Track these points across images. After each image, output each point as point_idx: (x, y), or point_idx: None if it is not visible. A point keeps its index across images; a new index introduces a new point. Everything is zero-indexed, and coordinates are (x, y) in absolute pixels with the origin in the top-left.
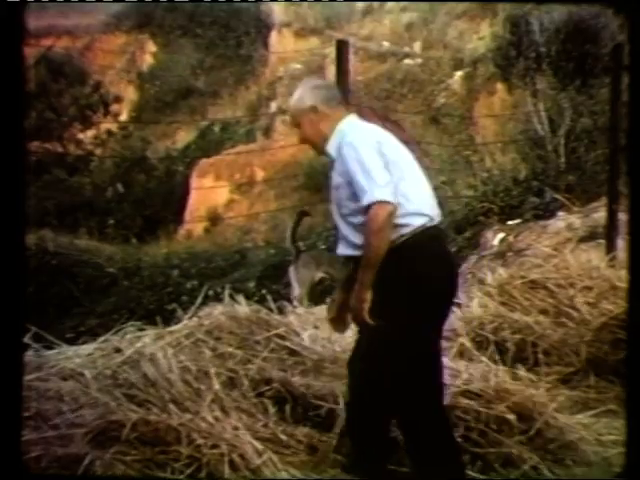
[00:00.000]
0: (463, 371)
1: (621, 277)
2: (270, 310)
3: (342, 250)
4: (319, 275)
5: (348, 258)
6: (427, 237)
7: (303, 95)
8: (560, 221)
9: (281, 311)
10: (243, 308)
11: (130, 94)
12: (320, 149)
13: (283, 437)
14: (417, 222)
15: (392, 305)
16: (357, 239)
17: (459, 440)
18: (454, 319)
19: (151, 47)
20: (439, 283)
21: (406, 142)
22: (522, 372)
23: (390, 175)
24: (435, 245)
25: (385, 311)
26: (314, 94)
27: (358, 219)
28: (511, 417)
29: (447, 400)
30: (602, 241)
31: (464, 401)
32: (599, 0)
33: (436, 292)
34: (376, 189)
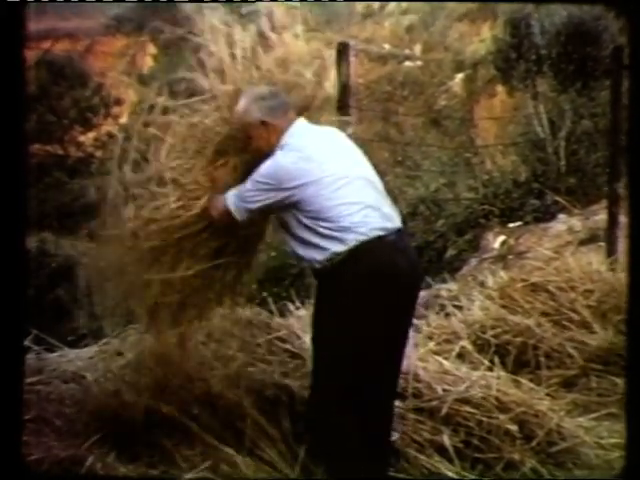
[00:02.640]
0: (464, 377)
1: (622, 280)
2: (271, 313)
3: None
4: None
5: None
6: (365, 251)
7: (249, 108)
8: (561, 224)
9: (282, 314)
10: (244, 311)
11: (130, 96)
12: None
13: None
14: (353, 238)
15: (339, 321)
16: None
17: (459, 445)
18: (455, 322)
19: (151, 49)
20: (381, 297)
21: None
22: (524, 380)
23: (269, 203)
24: (375, 258)
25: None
26: (260, 107)
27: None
28: (513, 428)
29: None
30: (603, 244)
31: (465, 408)
32: (600, 1)
33: (380, 305)
34: (237, 200)
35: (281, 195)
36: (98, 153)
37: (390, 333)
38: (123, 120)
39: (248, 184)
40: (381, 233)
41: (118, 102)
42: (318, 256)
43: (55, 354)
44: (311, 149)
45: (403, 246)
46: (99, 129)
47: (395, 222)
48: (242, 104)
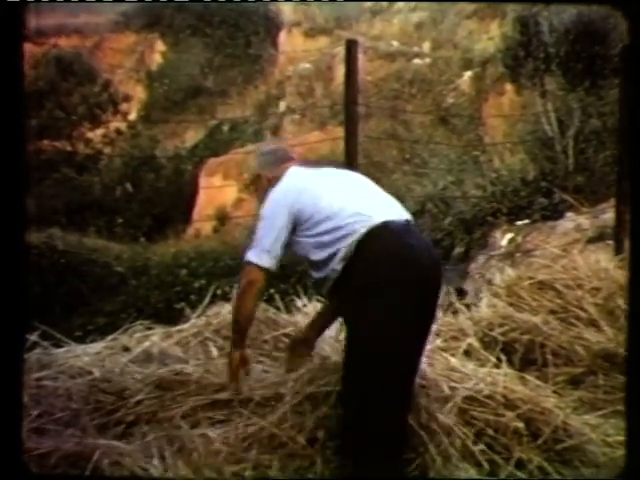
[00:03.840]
0: (471, 374)
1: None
2: (278, 309)
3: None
4: None
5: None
6: (375, 236)
7: (252, 164)
8: (568, 222)
9: (289, 310)
10: None
11: (139, 93)
12: None
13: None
14: (357, 228)
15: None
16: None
17: (468, 443)
18: (462, 319)
19: (160, 46)
20: (403, 273)
21: None
22: (531, 377)
23: (281, 236)
24: (388, 239)
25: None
26: (258, 162)
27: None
28: (520, 425)
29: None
30: (611, 242)
31: (472, 407)
32: (607, 1)
33: (397, 292)
34: (254, 250)
35: (286, 219)
36: (106, 150)
37: (419, 314)
38: (131, 117)
39: (258, 229)
40: (388, 218)
41: (126, 99)
42: (334, 264)
43: (62, 349)
44: (298, 178)
45: (413, 231)
46: (107, 126)
47: (402, 215)
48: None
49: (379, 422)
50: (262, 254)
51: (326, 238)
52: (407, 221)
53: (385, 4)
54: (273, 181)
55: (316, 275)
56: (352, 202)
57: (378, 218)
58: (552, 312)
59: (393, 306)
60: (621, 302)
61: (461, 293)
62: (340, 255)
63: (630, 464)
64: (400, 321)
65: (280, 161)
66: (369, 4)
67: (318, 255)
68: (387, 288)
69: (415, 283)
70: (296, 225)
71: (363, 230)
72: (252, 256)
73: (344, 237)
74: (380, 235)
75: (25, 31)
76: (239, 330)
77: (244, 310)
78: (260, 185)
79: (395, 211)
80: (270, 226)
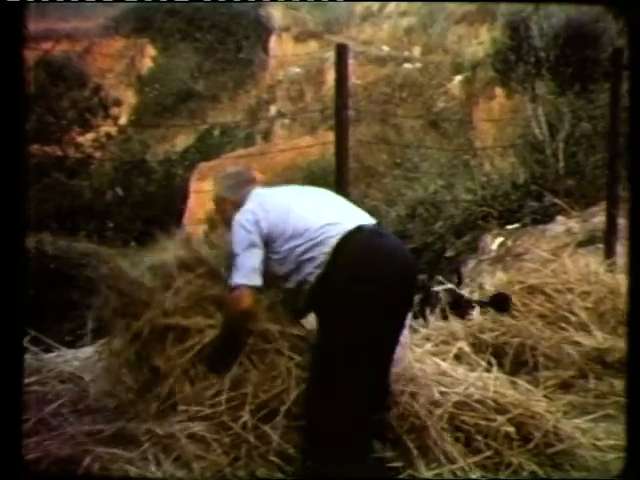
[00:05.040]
0: (461, 379)
1: (619, 282)
2: None
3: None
4: None
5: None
6: (349, 240)
7: (215, 187)
8: (559, 226)
9: None
10: None
11: (129, 98)
12: None
13: None
14: (332, 235)
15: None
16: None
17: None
18: (452, 323)
19: (150, 51)
20: (376, 274)
21: None
22: (521, 382)
23: (259, 253)
24: (361, 242)
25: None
26: (220, 185)
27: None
28: (511, 430)
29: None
30: (601, 246)
31: (463, 411)
32: (600, 1)
33: (377, 283)
34: (239, 273)
35: (258, 238)
36: (97, 154)
37: (394, 312)
38: (122, 121)
39: (233, 254)
40: (359, 223)
41: (117, 103)
42: (305, 273)
43: (52, 354)
44: (263, 199)
45: (385, 232)
46: (98, 130)
47: (370, 220)
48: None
49: (347, 423)
50: (250, 274)
51: (299, 250)
52: (376, 225)
53: (375, 9)
54: (238, 204)
55: (288, 285)
56: (320, 213)
57: (349, 224)
58: (542, 316)
59: (372, 306)
60: (611, 305)
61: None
62: (315, 263)
63: (630, 465)
64: (376, 320)
65: (244, 183)
66: (359, 9)
67: (289, 267)
68: (366, 289)
69: (391, 283)
70: (268, 243)
71: (338, 236)
72: (240, 278)
73: (317, 245)
74: (355, 239)
75: (25, 32)
76: (227, 335)
77: (239, 323)
78: (225, 209)
79: (363, 217)
80: (247, 247)
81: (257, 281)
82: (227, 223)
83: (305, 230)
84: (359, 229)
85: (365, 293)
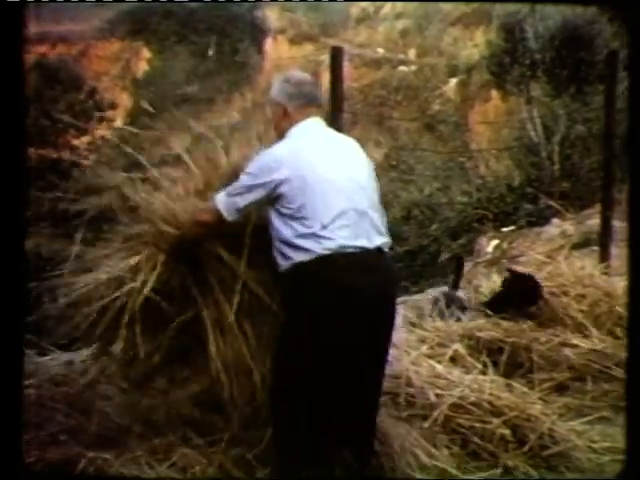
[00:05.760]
0: (457, 381)
1: (615, 284)
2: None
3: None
4: None
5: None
6: (328, 265)
7: (274, 87)
8: (554, 228)
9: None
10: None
11: (125, 100)
12: None
13: None
14: (318, 248)
15: (287, 329)
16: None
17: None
18: (448, 325)
19: (146, 54)
20: (330, 316)
21: None
22: (517, 384)
23: (254, 197)
24: (335, 274)
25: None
26: (281, 89)
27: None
28: (506, 432)
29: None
30: (596, 248)
31: (458, 414)
32: (600, 1)
33: (327, 324)
34: (226, 200)
35: (268, 188)
36: (92, 157)
37: (347, 352)
38: (117, 124)
39: (239, 180)
40: (347, 250)
41: (112, 106)
42: (283, 262)
43: (47, 357)
44: (309, 146)
45: (370, 266)
46: (93, 133)
47: (372, 241)
48: (274, 82)
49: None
50: (232, 210)
51: (294, 232)
52: (372, 250)
53: (371, 11)
54: (288, 119)
55: (274, 249)
56: (333, 214)
57: (339, 247)
58: (537, 319)
59: (325, 332)
60: (606, 308)
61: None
62: (289, 263)
63: (629, 466)
64: (328, 345)
65: (303, 99)
66: (355, 11)
67: (282, 235)
68: (317, 320)
69: (348, 323)
70: (277, 198)
71: (318, 256)
72: (222, 205)
73: (303, 250)
74: (331, 265)
75: (25, 32)
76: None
77: (191, 237)
78: (275, 113)
79: (369, 235)
80: (251, 185)
81: (231, 216)
82: (276, 130)
83: (313, 223)
84: (345, 256)
85: (320, 321)
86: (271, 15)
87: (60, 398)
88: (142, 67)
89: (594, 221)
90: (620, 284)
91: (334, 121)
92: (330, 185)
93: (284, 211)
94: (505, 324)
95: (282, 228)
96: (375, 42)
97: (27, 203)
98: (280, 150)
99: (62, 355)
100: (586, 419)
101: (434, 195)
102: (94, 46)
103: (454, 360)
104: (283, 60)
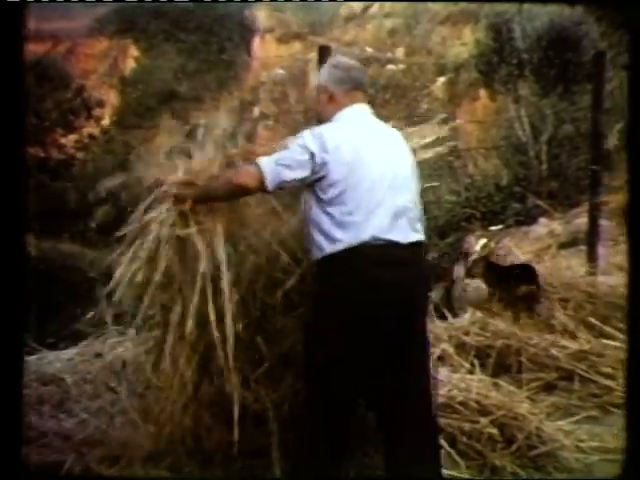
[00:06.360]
0: (445, 381)
1: (601, 284)
2: None
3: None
4: None
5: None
6: (357, 256)
7: (322, 71)
8: (542, 227)
9: None
10: None
11: (112, 99)
12: None
13: None
14: (351, 238)
15: (312, 319)
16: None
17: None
18: (436, 325)
19: (134, 52)
20: (358, 307)
21: None
22: (504, 383)
23: (299, 174)
24: (364, 266)
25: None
26: (329, 73)
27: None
28: (494, 432)
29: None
30: (583, 247)
31: (446, 414)
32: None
33: (353, 316)
34: (268, 159)
35: (316, 165)
36: (80, 155)
37: (373, 346)
38: (105, 122)
39: (288, 149)
40: (379, 242)
41: (100, 104)
42: (317, 252)
43: (34, 356)
44: (357, 133)
45: (401, 261)
46: (81, 131)
47: (406, 236)
48: (323, 67)
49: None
50: (277, 180)
51: (330, 219)
52: (402, 245)
53: (359, 10)
54: (335, 104)
55: (308, 234)
56: (370, 204)
57: (368, 238)
58: (525, 318)
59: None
60: (593, 308)
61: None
62: (322, 253)
63: (628, 467)
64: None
65: (350, 84)
66: (343, 10)
67: (320, 219)
68: (339, 313)
69: (372, 317)
70: (319, 180)
71: (347, 246)
72: (268, 171)
73: (332, 240)
74: (356, 257)
75: (25, 32)
76: (201, 197)
77: (220, 195)
78: (320, 99)
79: (403, 230)
80: (301, 160)
81: (272, 185)
82: (318, 116)
83: (351, 209)
84: (372, 248)
85: (343, 314)
86: (259, 14)
87: (47, 397)
88: (130, 65)
89: (582, 220)
90: (606, 284)
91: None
92: (374, 175)
93: (323, 196)
94: (493, 324)
95: (319, 216)
96: (363, 41)
97: (27, 202)
98: (332, 131)
99: (50, 354)
100: (574, 419)
101: (422, 194)
102: (82, 44)
103: (442, 359)
104: (271, 59)
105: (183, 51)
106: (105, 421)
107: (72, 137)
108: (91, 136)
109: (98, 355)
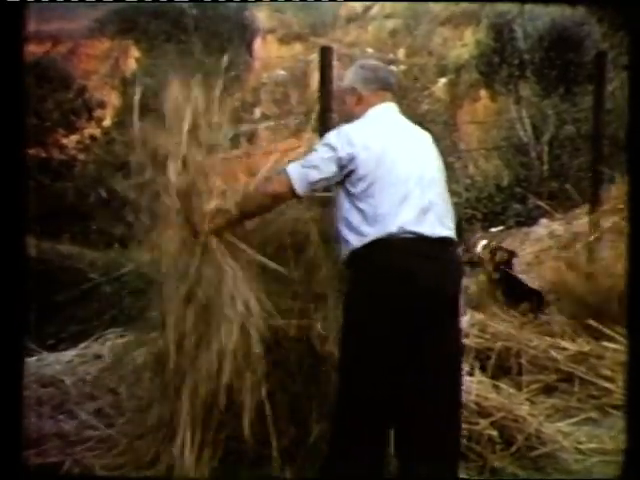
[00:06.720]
0: None
1: (602, 285)
2: None
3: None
4: None
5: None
6: (384, 248)
7: (348, 73)
8: (542, 228)
9: None
10: None
11: (113, 99)
12: None
13: None
14: (378, 231)
15: (346, 314)
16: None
17: None
18: None
19: (135, 52)
20: (386, 300)
21: None
22: (504, 385)
23: (327, 172)
24: (391, 257)
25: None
26: (356, 74)
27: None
28: (494, 433)
29: None
30: (584, 248)
31: None
32: (599, 2)
33: (385, 308)
34: (296, 164)
35: (343, 161)
36: (81, 156)
37: (407, 340)
38: (106, 123)
39: (314, 151)
40: (407, 235)
41: (101, 105)
42: (345, 248)
43: (33, 358)
44: (385, 129)
45: (429, 254)
46: (82, 132)
47: (434, 231)
48: (349, 69)
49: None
50: (305, 182)
51: (358, 214)
52: (430, 239)
53: (360, 11)
54: (363, 104)
55: (338, 232)
56: (399, 198)
57: (398, 230)
58: (525, 319)
59: (379, 321)
60: (593, 310)
61: None
62: (349, 247)
63: (627, 468)
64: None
65: (378, 84)
66: (344, 11)
67: (349, 216)
68: (372, 306)
69: (405, 310)
70: (349, 174)
71: (375, 238)
72: (295, 175)
73: (360, 234)
74: (387, 248)
75: (25, 32)
76: (237, 218)
77: (254, 209)
78: (349, 101)
79: (431, 225)
80: (328, 158)
81: (302, 188)
82: (343, 116)
83: (379, 202)
84: (402, 240)
85: (373, 306)
86: (260, 15)
87: (47, 399)
88: (131, 66)
89: (582, 221)
90: (607, 285)
91: (323, 121)
92: (400, 171)
93: (353, 190)
94: (493, 326)
95: (350, 212)
96: (364, 42)
97: (27, 203)
98: (358, 127)
99: (49, 356)
100: (573, 420)
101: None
102: (83, 45)
103: None
104: (272, 59)
105: (184, 52)
106: (105, 422)
107: (73, 138)
108: (92, 137)
109: (98, 357)
